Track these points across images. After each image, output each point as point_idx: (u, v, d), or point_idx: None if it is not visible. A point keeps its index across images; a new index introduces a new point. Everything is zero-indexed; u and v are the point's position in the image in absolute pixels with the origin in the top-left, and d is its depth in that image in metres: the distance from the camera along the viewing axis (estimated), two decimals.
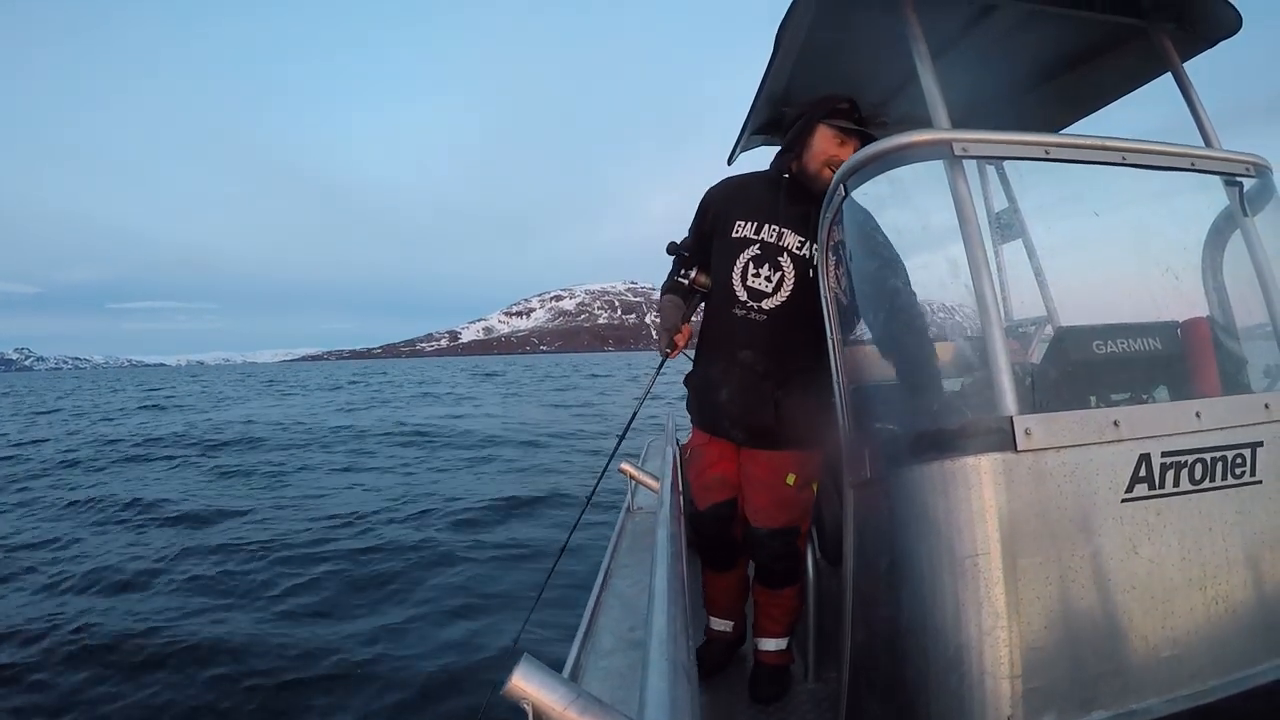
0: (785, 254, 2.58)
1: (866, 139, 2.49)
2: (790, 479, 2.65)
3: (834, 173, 2.41)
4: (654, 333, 2.80)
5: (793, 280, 2.57)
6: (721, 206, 2.75)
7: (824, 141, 2.53)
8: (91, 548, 8.40)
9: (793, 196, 2.61)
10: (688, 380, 2.89)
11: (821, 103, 2.58)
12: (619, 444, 3.54)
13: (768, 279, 2.58)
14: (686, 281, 2.81)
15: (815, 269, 2.50)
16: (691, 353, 2.94)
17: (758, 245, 2.62)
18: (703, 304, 2.87)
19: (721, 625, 3.06)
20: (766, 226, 2.62)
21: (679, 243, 2.94)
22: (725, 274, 2.67)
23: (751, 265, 2.61)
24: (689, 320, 2.84)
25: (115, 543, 8.64)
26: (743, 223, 2.66)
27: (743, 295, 2.62)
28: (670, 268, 2.91)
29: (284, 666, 5.26)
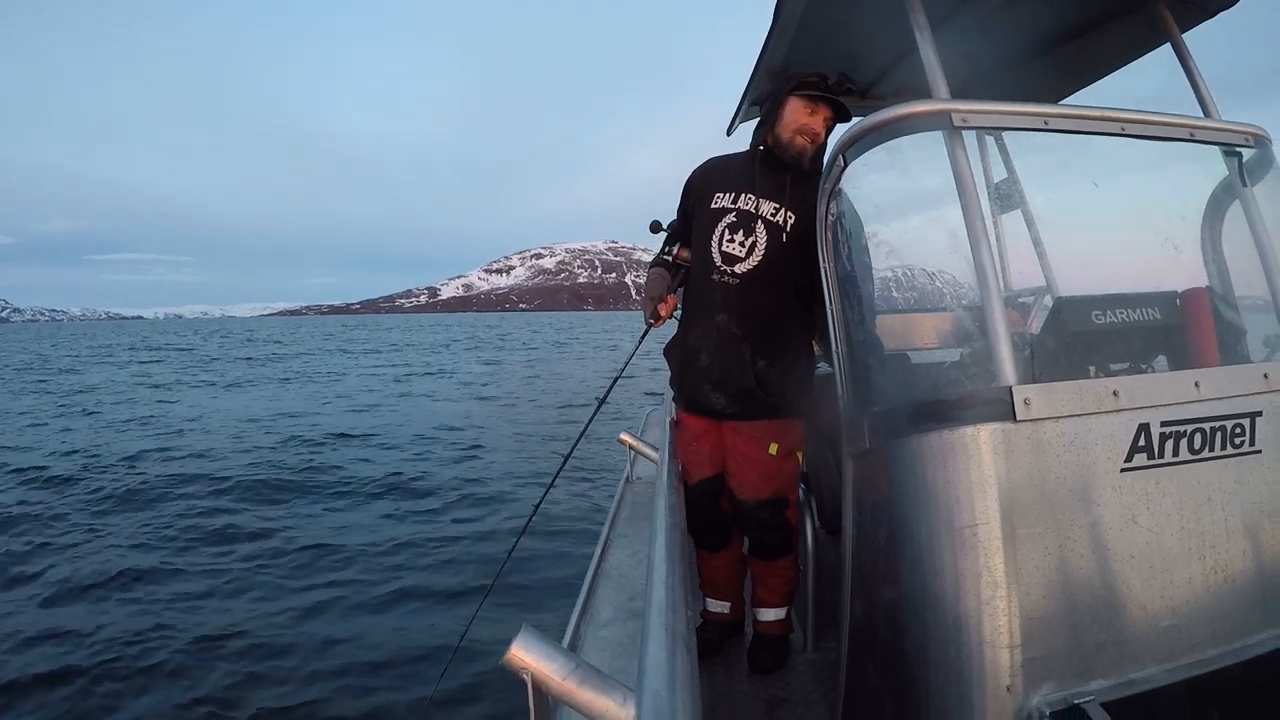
0: (760, 220, 2.65)
1: (836, 105, 2.60)
2: (773, 449, 2.70)
3: (806, 139, 2.55)
4: (634, 294, 2.87)
5: (764, 245, 2.64)
6: (702, 183, 2.85)
7: (794, 112, 2.61)
8: None
9: (768, 166, 2.68)
10: (668, 351, 2.96)
11: (791, 77, 2.65)
12: (597, 408, 3.56)
13: (741, 244, 2.66)
14: (671, 258, 2.96)
15: (788, 234, 2.61)
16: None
17: (734, 213, 2.69)
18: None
19: (718, 606, 3.07)
20: (744, 196, 2.70)
21: (664, 223, 3.13)
22: (704, 243, 2.75)
23: (727, 232, 2.69)
24: (673, 292, 2.95)
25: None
26: (721, 194, 2.75)
27: (718, 260, 2.69)
28: (659, 247, 3.07)
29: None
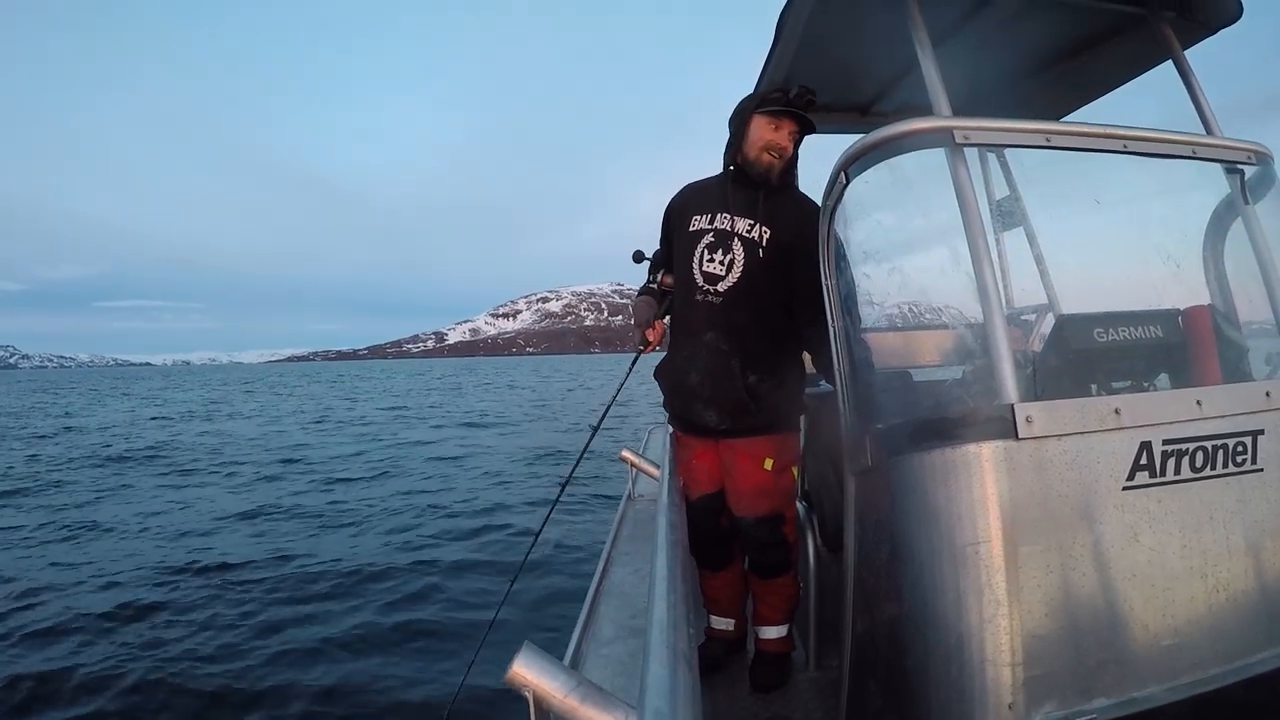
0: (736, 238, 2.69)
1: (800, 119, 2.65)
2: (768, 464, 2.72)
3: (773, 155, 2.61)
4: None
5: (742, 261, 2.68)
6: (680, 209, 2.91)
7: (760, 129, 2.66)
8: None
9: (739, 185, 2.74)
10: (658, 374, 2.97)
11: (754, 96, 2.72)
12: (592, 434, 3.57)
13: (720, 262, 2.70)
14: (656, 286, 3.03)
15: (764, 249, 2.65)
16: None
17: (711, 234, 2.74)
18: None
19: (722, 624, 3.06)
20: (719, 216, 2.75)
21: (647, 254, 3.20)
22: (685, 266, 2.79)
23: (706, 252, 2.73)
24: (660, 318, 3.00)
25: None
26: (699, 217, 2.80)
27: (700, 281, 2.73)
28: (645, 277, 3.14)
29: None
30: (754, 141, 2.65)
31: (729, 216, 2.71)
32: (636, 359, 3.16)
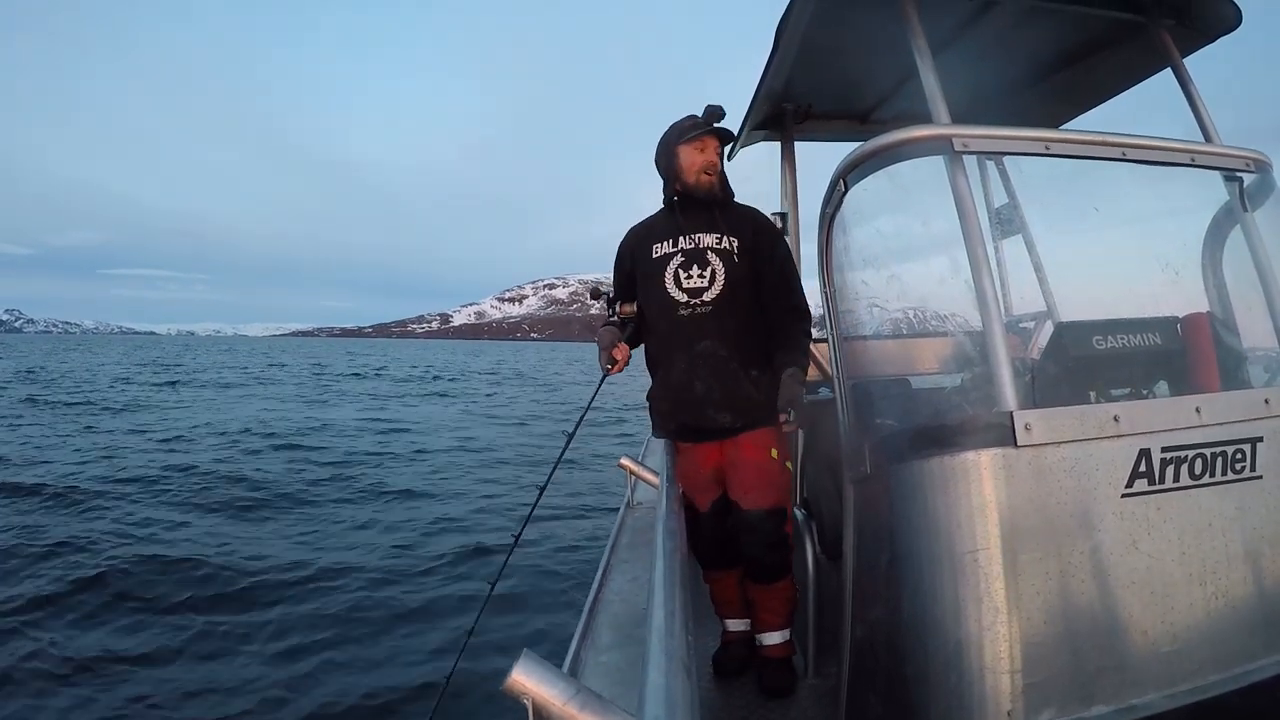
0: (709, 252, 2.78)
1: (718, 132, 2.77)
2: (773, 453, 2.77)
3: (709, 175, 2.74)
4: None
5: (723, 271, 2.75)
6: (635, 244, 3.00)
7: (688, 157, 2.78)
8: None
9: (690, 209, 2.84)
10: (652, 397, 3.01)
11: (670, 131, 2.83)
12: (566, 444, 3.56)
13: (700, 276, 2.77)
14: (617, 318, 3.08)
15: (738, 257, 2.75)
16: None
17: (681, 254, 2.81)
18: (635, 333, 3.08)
19: (739, 625, 3.05)
20: (682, 238, 2.83)
21: (606, 291, 3.25)
22: (657, 290, 2.85)
23: (681, 271, 2.80)
24: (626, 343, 3.03)
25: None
26: (658, 245, 2.88)
27: (682, 297, 2.79)
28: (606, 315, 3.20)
29: None
30: (688, 168, 2.76)
31: (692, 236, 2.79)
32: (603, 380, 3.18)
